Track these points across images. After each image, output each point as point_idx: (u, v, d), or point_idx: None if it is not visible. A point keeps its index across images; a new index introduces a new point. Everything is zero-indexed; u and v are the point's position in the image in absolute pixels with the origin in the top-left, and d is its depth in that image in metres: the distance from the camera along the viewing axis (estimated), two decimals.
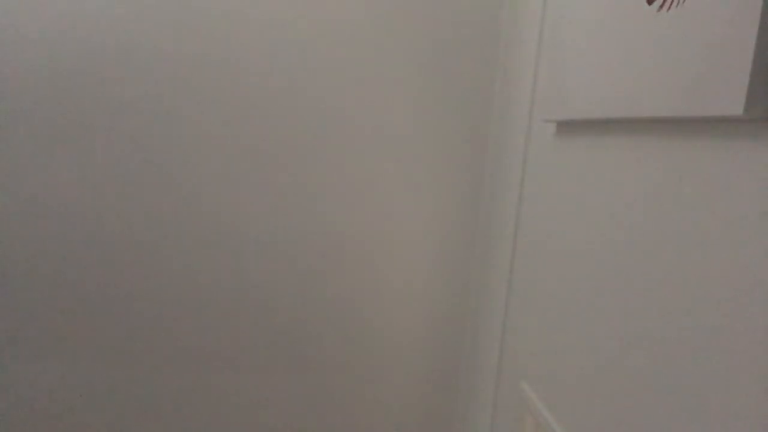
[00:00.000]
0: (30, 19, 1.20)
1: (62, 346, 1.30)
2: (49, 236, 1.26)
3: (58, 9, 1.20)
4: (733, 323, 0.50)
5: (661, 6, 0.60)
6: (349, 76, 1.29)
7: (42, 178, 1.25)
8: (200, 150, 1.28)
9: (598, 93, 0.74)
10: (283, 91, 1.28)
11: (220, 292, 1.33)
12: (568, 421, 0.82)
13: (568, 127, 0.91)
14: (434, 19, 1.29)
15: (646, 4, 0.63)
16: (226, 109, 1.27)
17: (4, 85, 1.21)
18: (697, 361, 0.54)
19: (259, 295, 1.34)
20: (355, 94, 1.30)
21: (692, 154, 0.57)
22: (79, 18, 1.21)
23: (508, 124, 1.23)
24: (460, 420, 1.43)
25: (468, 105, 1.33)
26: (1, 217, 1.25)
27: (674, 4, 0.57)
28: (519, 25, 1.21)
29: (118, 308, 1.30)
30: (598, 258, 0.76)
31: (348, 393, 1.40)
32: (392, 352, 1.40)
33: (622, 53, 0.68)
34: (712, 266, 0.53)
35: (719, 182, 0.53)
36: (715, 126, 0.54)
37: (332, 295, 1.36)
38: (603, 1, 0.76)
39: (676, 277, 0.58)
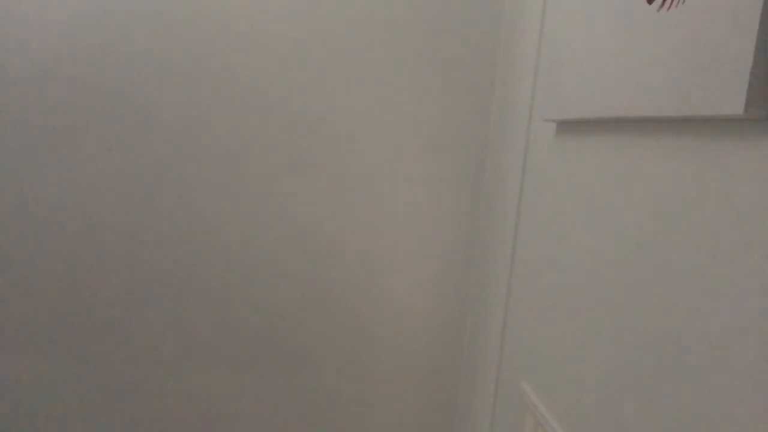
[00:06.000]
0: (31, 21, 1.20)
1: (60, 346, 1.30)
2: (45, 236, 1.26)
3: (59, 11, 1.20)
4: (733, 322, 0.49)
5: (661, 6, 0.60)
6: (348, 77, 1.29)
7: (38, 179, 1.25)
8: (201, 153, 1.28)
9: (598, 93, 0.74)
10: (283, 96, 1.28)
11: (221, 294, 1.33)
12: (568, 421, 0.82)
13: (568, 127, 0.91)
14: (435, 19, 1.29)
15: (646, 4, 0.63)
16: (226, 113, 1.27)
17: (4, 87, 1.21)
18: (697, 361, 0.54)
19: (258, 295, 1.34)
20: (354, 95, 1.30)
21: (692, 154, 0.57)
22: (80, 21, 1.20)
23: (508, 124, 1.23)
24: (460, 420, 1.43)
25: (468, 105, 1.33)
26: None
27: (674, 3, 0.57)
28: (519, 25, 1.21)
29: (116, 308, 1.30)
30: (598, 257, 0.76)
31: (348, 393, 1.40)
32: (392, 352, 1.40)
33: (622, 53, 0.68)
34: (712, 265, 0.53)
35: (719, 182, 0.53)
36: (715, 126, 0.54)
37: (332, 296, 1.36)
38: (603, 1, 0.76)
39: (676, 276, 0.58)
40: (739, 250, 0.49)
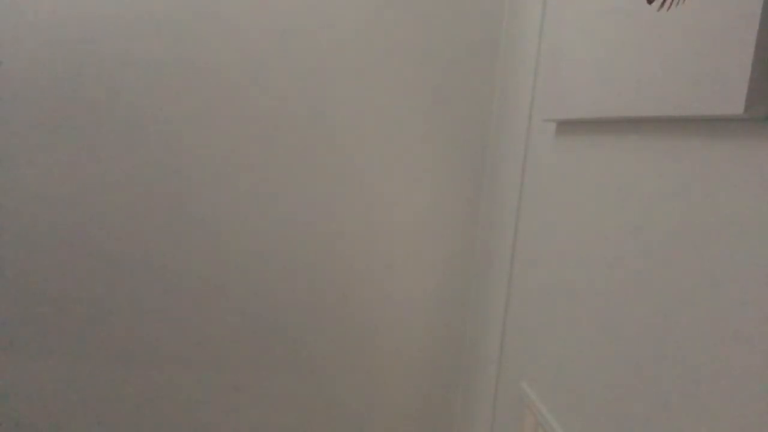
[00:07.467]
0: (32, 21, 1.20)
1: (59, 347, 1.30)
2: (45, 237, 1.26)
3: (60, 11, 1.20)
4: (733, 322, 0.49)
5: (661, 6, 0.60)
6: (349, 76, 1.29)
7: (40, 180, 1.25)
8: (201, 153, 1.28)
9: (598, 93, 0.74)
10: (282, 97, 1.28)
11: (222, 295, 1.33)
12: (568, 421, 0.82)
13: (568, 127, 0.91)
14: (434, 19, 1.29)
15: (645, 4, 0.63)
16: (226, 114, 1.27)
17: (4, 87, 1.21)
18: (698, 362, 0.54)
19: (258, 296, 1.34)
20: (355, 95, 1.30)
21: (692, 154, 0.57)
22: (82, 21, 1.20)
23: (508, 124, 1.23)
24: (460, 420, 1.43)
25: (468, 105, 1.33)
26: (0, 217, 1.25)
27: (674, 3, 0.57)
28: (519, 25, 1.21)
29: (116, 309, 1.30)
30: (598, 257, 0.76)
31: (348, 393, 1.40)
32: (393, 352, 1.40)
33: (622, 53, 0.68)
34: (712, 265, 0.53)
35: (719, 181, 0.53)
36: (715, 126, 0.54)
37: (332, 296, 1.36)
38: (603, 1, 0.76)
39: (676, 276, 0.58)
40: (739, 249, 0.49)
